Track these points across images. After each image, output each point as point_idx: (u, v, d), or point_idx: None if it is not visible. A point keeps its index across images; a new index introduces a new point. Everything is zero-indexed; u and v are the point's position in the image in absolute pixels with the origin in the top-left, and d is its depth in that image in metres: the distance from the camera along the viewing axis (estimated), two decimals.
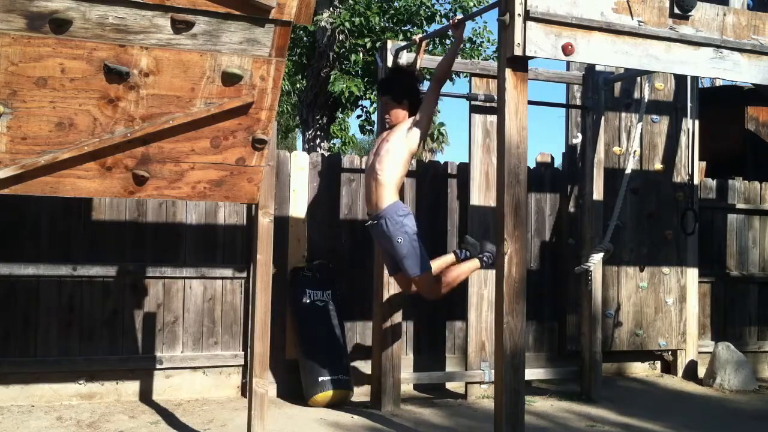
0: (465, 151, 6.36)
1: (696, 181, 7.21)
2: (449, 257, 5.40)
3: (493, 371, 5.02)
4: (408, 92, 5.15)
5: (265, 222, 4.48)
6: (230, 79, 3.92)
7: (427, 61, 5.95)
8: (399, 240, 4.90)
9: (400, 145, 4.98)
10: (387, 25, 12.44)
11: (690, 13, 4.67)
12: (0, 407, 5.24)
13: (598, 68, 6.31)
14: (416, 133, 4.99)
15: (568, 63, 6.54)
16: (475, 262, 5.29)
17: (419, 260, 4.93)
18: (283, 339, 6.01)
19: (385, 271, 5.56)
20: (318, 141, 13.23)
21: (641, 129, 6.71)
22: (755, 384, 6.91)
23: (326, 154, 6.59)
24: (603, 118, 6.40)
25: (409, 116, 5.08)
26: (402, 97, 5.10)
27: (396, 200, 4.99)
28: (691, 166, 7.17)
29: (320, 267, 6.08)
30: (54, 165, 3.77)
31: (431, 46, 12.42)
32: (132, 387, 5.65)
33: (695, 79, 7.24)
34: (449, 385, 6.46)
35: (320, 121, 13.28)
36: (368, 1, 12.42)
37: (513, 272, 4.31)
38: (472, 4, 12.67)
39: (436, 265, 5.21)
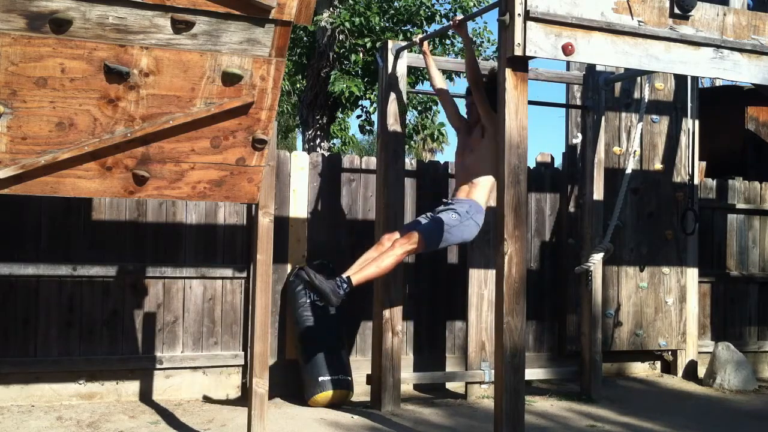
0: None
1: (696, 181, 7.21)
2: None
3: (493, 371, 5.02)
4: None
5: (265, 222, 4.48)
6: (230, 79, 3.92)
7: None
8: (452, 215, 4.94)
9: (486, 150, 5.07)
10: (387, 25, 12.43)
11: (690, 13, 4.68)
12: (0, 407, 5.24)
13: (598, 68, 6.31)
14: (494, 136, 5.05)
15: (568, 63, 6.54)
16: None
17: (435, 232, 4.94)
18: (283, 339, 6.01)
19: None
20: (318, 141, 13.22)
21: (641, 129, 6.71)
22: (755, 384, 6.91)
23: (326, 154, 6.59)
24: (603, 118, 6.40)
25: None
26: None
27: (483, 206, 5.08)
28: (691, 166, 7.17)
29: (320, 267, 6.07)
30: (54, 165, 3.77)
31: (431, 46, 12.42)
32: (132, 387, 5.65)
33: (695, 79, 7.25)
34: (449, 385, 6.46)
35: (320, 121, 13.27)
36: (368, 1, 12.41)
37: (513, 272, 4.31)
38: (472, 4, 12.67)
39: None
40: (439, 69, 5.66)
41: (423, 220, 5.16)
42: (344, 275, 4.74)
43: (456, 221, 4.96)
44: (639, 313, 6.99)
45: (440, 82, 5.57)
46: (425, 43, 5.60)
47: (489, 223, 6.17)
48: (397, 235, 5.10)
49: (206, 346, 5.88)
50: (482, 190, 5.09)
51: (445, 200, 5.26)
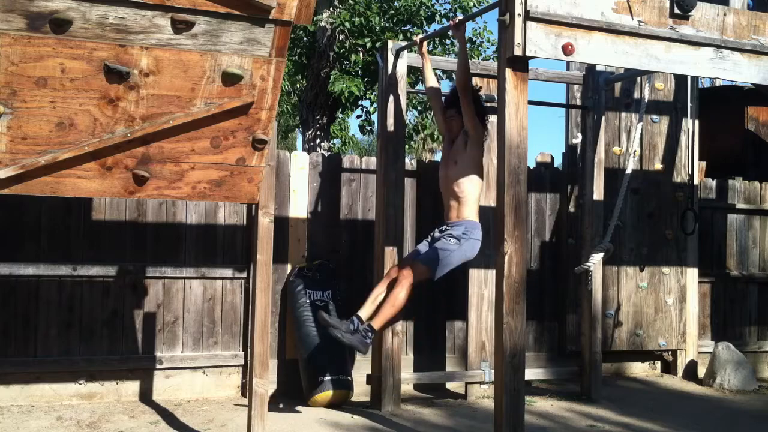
0: None
1: (696, 181, 7.22)
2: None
3: (493, 371, 5.02)
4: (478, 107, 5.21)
5: (265, 222, 4.48)
6: (230, 79, 3.92)
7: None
8: (450, 241, 4.98)
9: (469, 160, 5.08)
10: (387, 25, 12.43)
11: (690, 13, 4.67)
12: (0, 407, 5.24)
13: (598, 68, 6.31)
14: (478, 144, 5.11)
15: (568, 63, 6.55)
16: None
17: (438, 260, 4.96)
18: (283, 339, 6.01)
19: (386, 271, 5.56)
20: (318, 141, 13.22)
21: (641, 129, 6.71)
22: (755, 384, 6.91)
23: (326, 154, 6.59)
24: (603, 118, 6.40)
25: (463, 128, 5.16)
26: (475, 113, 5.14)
27: (476, 221, 5.11)
28: (691, 166, 7.17)
29: (320, 267, 6.08)
30: (54, 165, 3.77)
31: (431, 46, 12.42)
32: (132, 387, 5.65)
33: (695, 79, 7.25)
34: (449, 385, 6.46)
35: (320, 121, 13.27)
36: (368, 1, 12.41)
37: (513, 272, 4.31)
38: (472, 4, 12.67)
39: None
40: (439, 69, 5.68)
41: (423, 248, 5.17)
42: (365, 322, 4.87)
43: (455, 245, 5.00)
44: (639, 313, 6.99)
45: (433, 82, 5.57)
46: (424, 44, 5.60)
47: (489, 222, 6.18)
48: (405, 269, 5.08)
49: (206, 346, 5.88)
50: (472, 206, 5.12)
51: (440, 227, 5.21)
